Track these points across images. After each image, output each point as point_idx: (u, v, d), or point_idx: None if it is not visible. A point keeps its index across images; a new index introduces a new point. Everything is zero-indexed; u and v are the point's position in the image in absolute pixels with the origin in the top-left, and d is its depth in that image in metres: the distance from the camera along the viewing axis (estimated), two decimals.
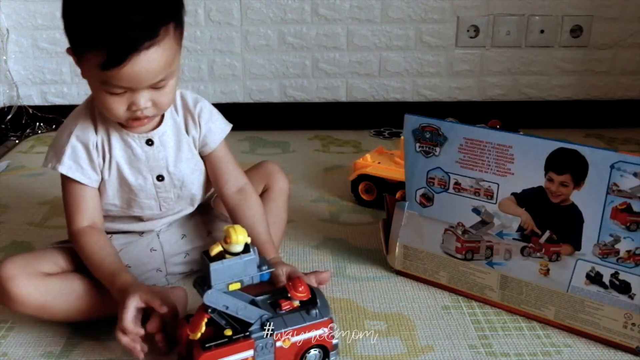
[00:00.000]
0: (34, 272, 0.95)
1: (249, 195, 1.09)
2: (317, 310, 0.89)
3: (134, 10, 0.84)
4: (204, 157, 1.08)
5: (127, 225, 1.08)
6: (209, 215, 1.17)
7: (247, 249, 0.83)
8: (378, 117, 2.11)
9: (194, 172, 1.07)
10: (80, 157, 0.98)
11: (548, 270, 0.99)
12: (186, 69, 2.03)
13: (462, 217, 1.06)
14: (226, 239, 0.82)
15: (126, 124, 0.97)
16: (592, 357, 0.95)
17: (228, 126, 1.09)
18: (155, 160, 1.02)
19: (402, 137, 1.29)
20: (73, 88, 2.03)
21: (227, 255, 0.82)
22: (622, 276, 0.93)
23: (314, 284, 0.99)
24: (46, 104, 2.06)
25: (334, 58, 2.05)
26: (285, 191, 1.20)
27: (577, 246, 0.96)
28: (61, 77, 2.02)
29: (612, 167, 0.89)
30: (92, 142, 0.98)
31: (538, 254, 1.00)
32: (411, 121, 1.07)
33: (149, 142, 1.01)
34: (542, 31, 2.01)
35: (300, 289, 0.89)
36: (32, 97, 2.05)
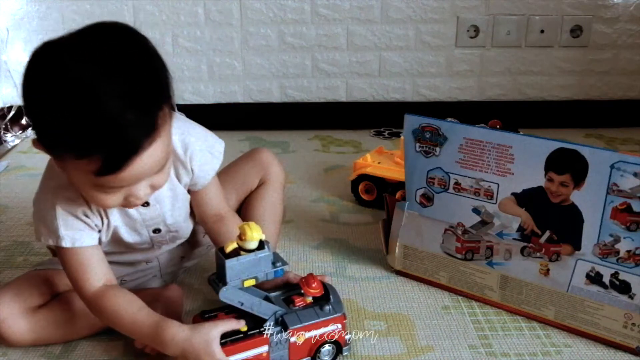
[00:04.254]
0: (22, 310, 0.93)
1: (228, 220, 1.03)
2: (330, 306, 0.90)
3: (126, 105, 0.72)
4: (190, 192, 1.01)
5: (121, 257, 1.03)
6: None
7: (261, 245, 0.84)
8: (378, 117, 2.11)
9: (187, 216, 1.03)
10: (75, 223, 0.89)
11: (548, 270, 0.99)
12: (186, 69, 2.03)
13: (462, 217, 1.06)
14: (241, 236, 0.83)
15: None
16: (592, 357, 0.95)
17: (218, 160, 1.00)
18: (151, 219, 0.97)
19: (402, 137, 1.29)
20: None
21: (241, 252, 0.83)
22: (622, 276, 0.93)
23: None
24: None
25: (334, 58, 2.05)
26: (282, 183, 1.17)
27: (577, 246, 0.96)
28: None
29: (612, 167, 0.89)
30: (81, 211, 0.89)
31: (538, 254, 1.00)
32: (411, 121, 1.07)
33: (145, 204, 0.94)
34: (542, 31, 2.01)
35: (313, 285, 0.91)
36: None
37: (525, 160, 0.97)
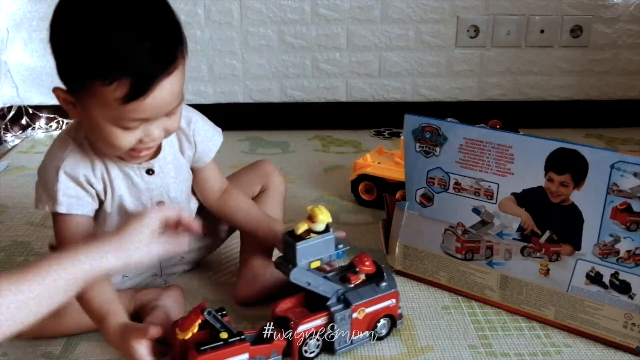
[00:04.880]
0: None
1: (231, 191, 1.10)
2: (386, 283, 0.96)
3: (148, 37, 0.79)
4: (192, 170, 1.06)
5: None
6: (205, 218, 1.16)
7: (327, 228, 0.90)
8: (378, 117, 2.11)
9: (189, 191, 1.07)
10: (76, 190, 0.93)
11: (548, 270, 0.99)
12: (186, 69, 2.02)
13: (462, 217, 1.06)
14: (312, 218, 0.89)
15: (125, 156, 0.92)
16: (592, 357, 0.95)
17: (220, 137, 1.06)
18: (155, 189, 0.99)
19: (402, 137, 1.29)
20: None
21: (311, 234, 0.89)
22: (622, 276, 0.93)
23: None
24: (46, 104, 2.06)
25: (334, 58, 2.05)
26: (282, 192, 1.20)
27: (577, 246, 0.96)
28: None
29: (612, 167, 0.89)
30: (84, 177, 0.92)
31: (538, 254, 1.00)
32: (411, 121, 1.07)
33: (149, 172, 0.98)
34: (542, 31, 2.01)
35: (367, 263, 0.96)
36: (32, 97, 2.05)
37: (525, 160, 0.97)
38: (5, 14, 1.96)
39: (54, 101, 1.95)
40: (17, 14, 1.96)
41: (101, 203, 0.96)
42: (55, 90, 0.86)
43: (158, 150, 0.97)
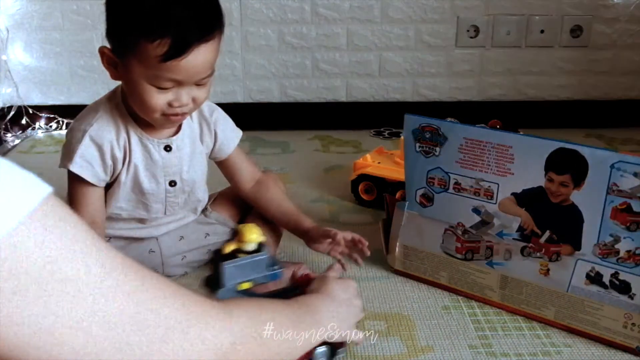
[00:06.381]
0: None
1: (266, 182, 1.15)
2: None
3: (192, 7, 0.88)
4: (218, 162, 1.13)
5: (129, 231, 1.08)
6: (207, 218, 1.17)
7: (259, 248, 0.85)
8: (378, 117, 2.11)
9: (202, 179, 1.10)
10: (93, 156, 0.98)
11: (548, 270, 0.99)
12: None
13: (462, 217, 1.06)
14: (240, 238, 0.85)
15: (158, 121, 0.96)
16: (592, 357, 0.95)
17: (240, 132, 1.14)
18: (170, 166, 1.03)
19: (402, 137, 1.29)
20: (73, 88, 2.03)
21: (240, 254, 0.84)
22: (622, 276, 0.93)
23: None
24: (46, 104, 2.06)
25: (334, 58, 2.05)
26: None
27: (577, 246, 0.96)
28: (61, 77, 2.02)
29: (612, 167, 0.89)
30: (108, 143, 0.98)
31: (538, 254, 1.00)
32: (411, 121, 1.07)
33: (167, 148, 1.02)
34: (542, 31, 2.01)
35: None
36: (32, 97, 2.05)
37: (525, 160, 0.97)
38: (5, 14, 1.95)
39: (53, 101, 1.95)
40: (17, 14, 1.95)
41: (118, 174, 1.01)
42: (102, 48, 0.93)
43: (178, 129, 1.03)
